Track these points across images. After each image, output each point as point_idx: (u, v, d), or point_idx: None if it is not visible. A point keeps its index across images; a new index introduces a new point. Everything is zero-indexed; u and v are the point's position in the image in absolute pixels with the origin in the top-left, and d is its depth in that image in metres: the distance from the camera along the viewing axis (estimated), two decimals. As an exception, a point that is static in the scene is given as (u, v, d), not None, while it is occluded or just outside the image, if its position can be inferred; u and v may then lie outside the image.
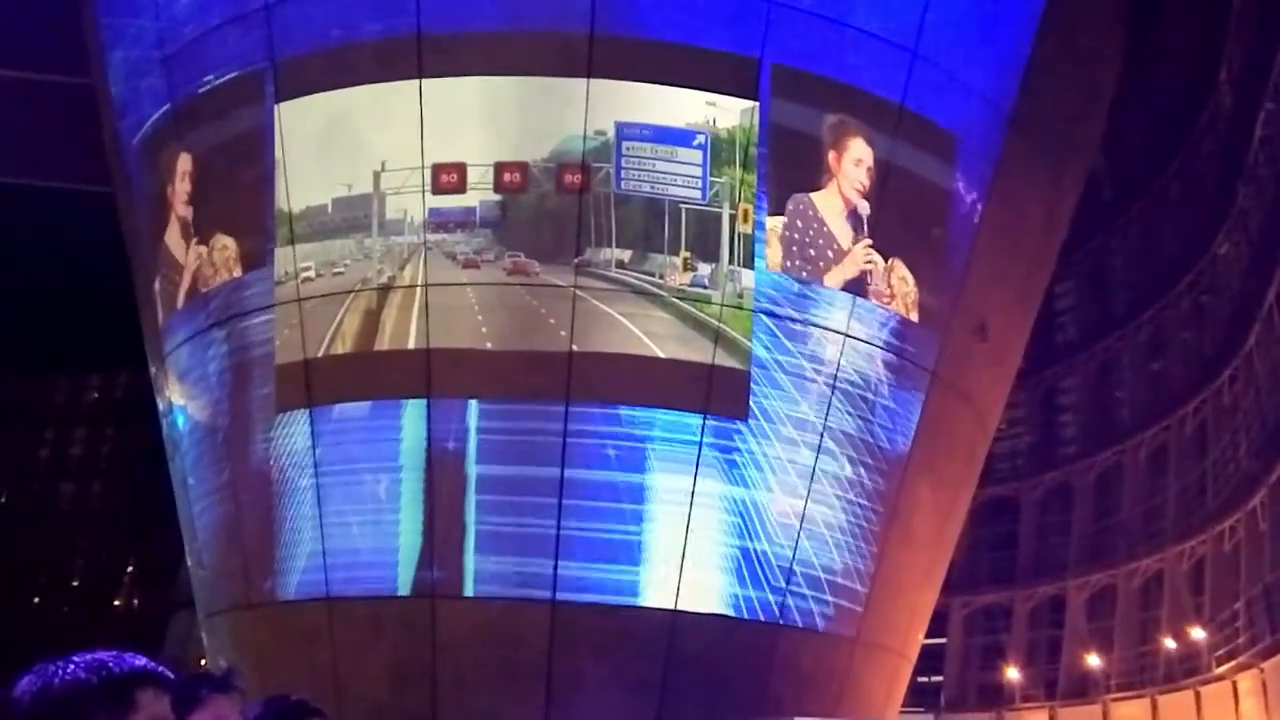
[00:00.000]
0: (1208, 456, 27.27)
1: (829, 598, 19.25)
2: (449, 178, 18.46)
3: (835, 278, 19.12)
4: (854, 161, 19.12)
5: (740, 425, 18.46)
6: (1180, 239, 29.38)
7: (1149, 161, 30.78)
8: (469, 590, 18.16)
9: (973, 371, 21.46)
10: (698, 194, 18.51)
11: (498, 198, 18.54)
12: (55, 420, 51.42)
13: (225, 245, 19.86)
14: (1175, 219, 30.13)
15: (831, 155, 19.02)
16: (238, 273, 19.77)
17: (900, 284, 19.58)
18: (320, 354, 18.91)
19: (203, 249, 20.08)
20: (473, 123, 18.65)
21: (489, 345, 18.54)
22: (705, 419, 18.31)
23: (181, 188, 20.39)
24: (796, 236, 18.83)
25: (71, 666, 2.26)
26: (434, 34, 18.26)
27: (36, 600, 47.66)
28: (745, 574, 18.56)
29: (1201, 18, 27.96)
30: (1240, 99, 26.10)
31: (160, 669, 2.36)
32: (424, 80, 18.25)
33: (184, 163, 20.32)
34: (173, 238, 20.81)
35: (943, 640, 32.41)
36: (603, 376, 18.34)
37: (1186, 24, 28.67)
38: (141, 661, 2.33)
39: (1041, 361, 31.95)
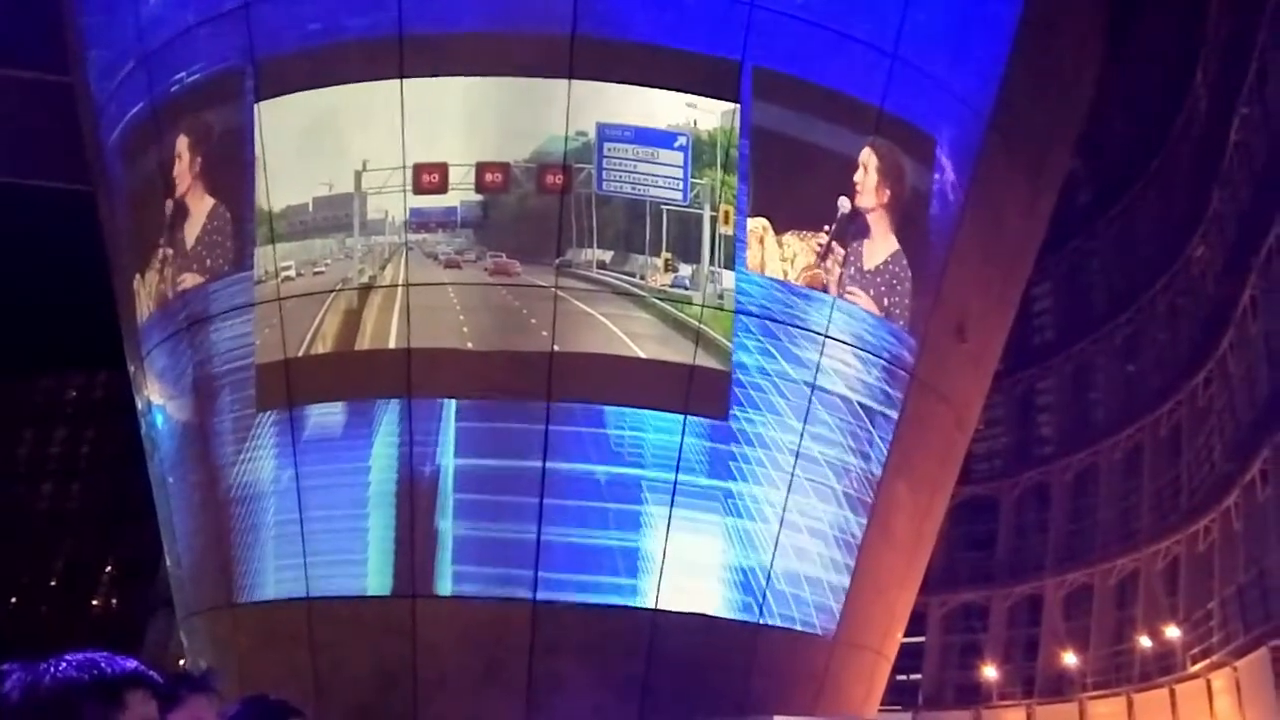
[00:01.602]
0: (1182, 457, 27.51)
1: (808, 597, 19.36)
2: (430, 178, 18.46)
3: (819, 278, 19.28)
4: (863, 167, 19.40)
5: (720, 425, 18.55)
6: (1156, 242, 29.63)
7: (1126, 165, 31.03)
8: (450, 590, 18.18)
9: (951, 372, 21.61)
10: (679, 195, 18.59)
11: (479, 198, 18.56)
12: (34, 420, 51.07)
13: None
14: (1151, 222, 30.39)
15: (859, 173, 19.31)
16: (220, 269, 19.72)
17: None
18: (301, 354, 18.89)
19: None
20: (454, 123, 18.67)
21: (470, 345, 18.56)
22: (686, 419, 18.39)
23: (187, 169, 20.14)
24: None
25: (63, 665, 2.27)
26: (416, 34, 18.27)
27: (14, 600, 47.33)
28: (725, 573, 18.66)
29: (1178, 22, 28.22)
30: (1215, 103, 26.36)
31: (149, 672, 2.38)
32: (405, 80, 18.25)
33: (180, 145, 20.11)
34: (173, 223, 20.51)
35: (921, 639, 32.58)
36: (584, 376, 18.39)
37: (1163, 28, 28.94)
38: (133, 664, 2.34)
39: (1019, 362, 32.17)
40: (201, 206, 20.02)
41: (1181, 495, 27.40)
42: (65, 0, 23.36)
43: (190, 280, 20.07)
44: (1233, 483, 23.37)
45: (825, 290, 19.24)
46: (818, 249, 19.15)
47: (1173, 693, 25.82)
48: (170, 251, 20.44)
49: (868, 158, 19.44)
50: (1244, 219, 23.78)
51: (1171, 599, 26.92)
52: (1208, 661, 24.01)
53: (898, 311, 20.08)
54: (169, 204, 20.34)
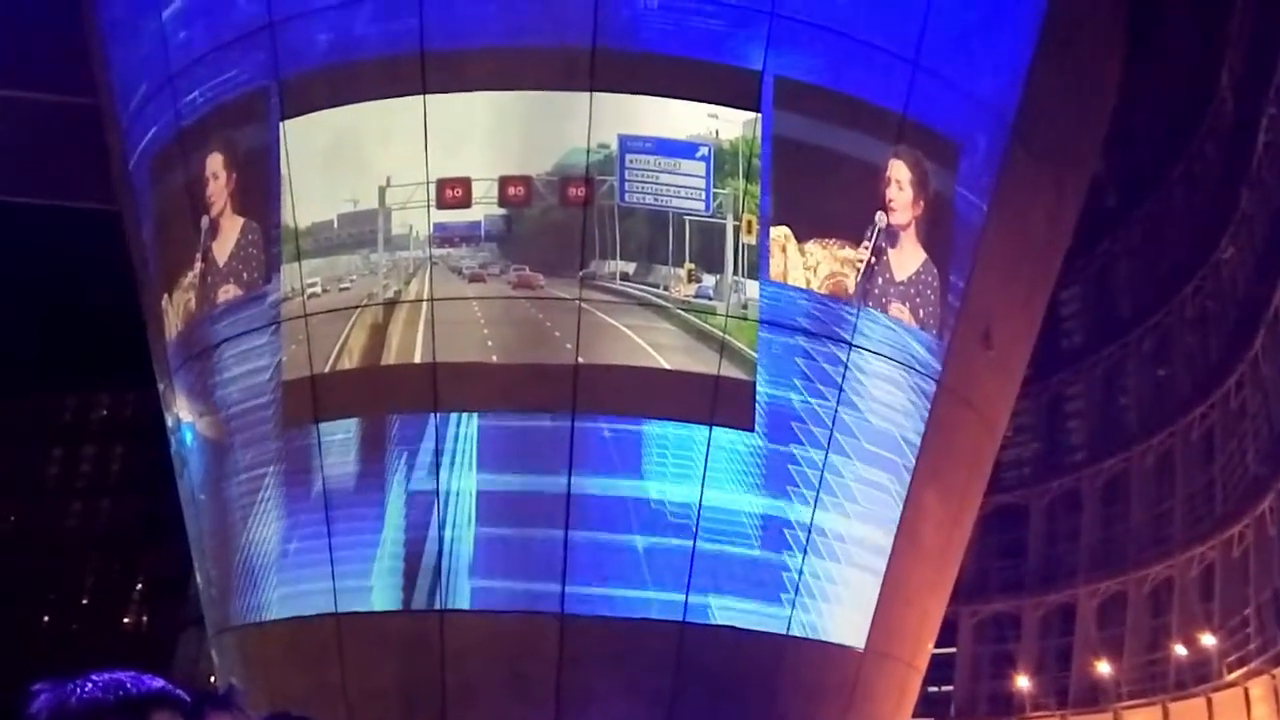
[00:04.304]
0: (1215, 462, 27.22)
1: (837, 608, 19.23)
2: (454, 192, 18.54)
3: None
4: (897, 183, 19.30)
5: (746, 435, 18.48)
6: (1184, 244, 29.38)
7: (1152, 167, 30.80)
8: (477, 604, 18.18)
9: (978, 379, 21.46)
10: (701, 206, 18.56)
11: (502, 211, 18.61)
12: (64, 438, 51.57)
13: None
14: (1179, 224, 30.13)
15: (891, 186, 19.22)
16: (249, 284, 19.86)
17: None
18: (327, 370, 18.97)
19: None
20: (477, 137, 18.74)
21: (495, 359, 18.59)
22: (711, 429, 18.34)
23: (215, 188, 20.25)
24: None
25: (89, 685, 2.26)
26: (437, 50, 18.36)
27: (46, 619, 47.74)
28: (753, 585, 18.56)
29: (1202, 23, 28.01)
30: (1242, 104, 26.14)
31: (176, 690, 2.38)
32: (428, 96, 18.34)
33: (210, 165, 20.25)
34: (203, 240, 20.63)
35: (952, 649, 32.34)
36: (608, 388, 18.37)
37: (1187, 29, 28.73)
38: (159, 683, 2.34)
39: (1047, 368, 31.90)
40: (231, 225, 20.18)
41: (1215, 501, 27.10)
42: (89, 23, 23.65)
43: (218, 299, 20.21)
44: (1267, 487, 23.10)
45: (849, 298, 19.15)
46: (857, 264, 19.02)
47: (1209, 701, 25.51)
48: (199, 270, 20.60)
49: (899, 172, 19.31)
50: (1274, 220, 23.56)
51: (1206, 606, 26.59)
52: (1245, 669, 23.72)
53: (929, 321, 19.97)
54: (203, 222, 20.49)
